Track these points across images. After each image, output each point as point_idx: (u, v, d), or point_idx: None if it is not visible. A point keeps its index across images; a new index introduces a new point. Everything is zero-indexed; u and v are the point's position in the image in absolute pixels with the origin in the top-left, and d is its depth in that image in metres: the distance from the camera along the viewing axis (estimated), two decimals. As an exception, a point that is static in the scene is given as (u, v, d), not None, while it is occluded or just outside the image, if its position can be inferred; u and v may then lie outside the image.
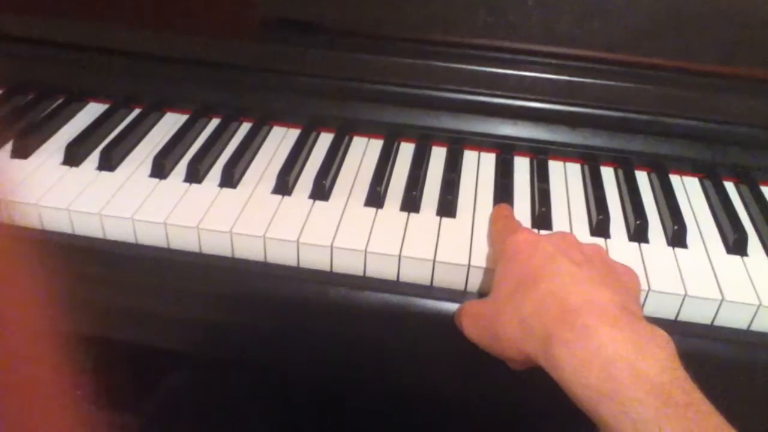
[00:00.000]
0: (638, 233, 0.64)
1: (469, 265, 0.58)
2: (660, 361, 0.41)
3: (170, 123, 0.76)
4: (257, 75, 0.76)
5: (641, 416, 0.39)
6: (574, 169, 0.74)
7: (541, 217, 0.64)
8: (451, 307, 0.58)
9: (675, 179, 0.73)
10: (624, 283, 0.51)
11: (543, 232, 0.63)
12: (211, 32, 0.76)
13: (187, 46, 0.76)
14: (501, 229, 0.59)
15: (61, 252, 0.62)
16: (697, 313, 0.57)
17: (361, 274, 0.60)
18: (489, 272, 0.58)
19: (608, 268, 0.51)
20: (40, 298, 0.29)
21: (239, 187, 0.66)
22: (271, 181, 0.67)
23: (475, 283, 0.59)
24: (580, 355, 0.43)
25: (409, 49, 0.73)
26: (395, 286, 0.60)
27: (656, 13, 0.69)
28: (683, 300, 0.57)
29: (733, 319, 0.57)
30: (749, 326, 0.57)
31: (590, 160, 0.74)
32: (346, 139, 0.75)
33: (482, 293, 0.59)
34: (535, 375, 0.47)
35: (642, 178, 0.73)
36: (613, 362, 0.41)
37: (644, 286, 0.57)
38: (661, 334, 0.44)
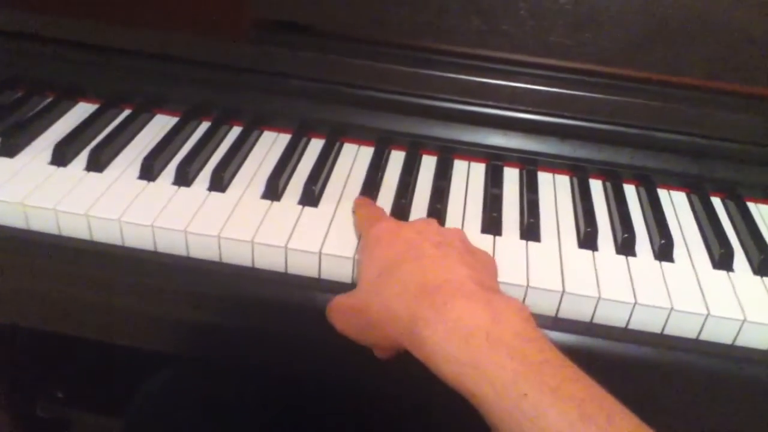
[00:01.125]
0: (625, 246, 0.64)
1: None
2: (514, 325, 0.43)
3: (160, 125, 0.76)
4: (249, 76, 0.76)
5: (500, 379, 0.40)
6: (563, 181, 0.74)
7: (530, 228, 0.65)
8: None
9: (663, 193, 0.73)
10: (482, 261, 0.53)
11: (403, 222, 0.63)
12: (203, 33, 0.75)
13: (179, 46, 0.75)
14: (363, 218, 0.61)
15: (47, 252, 0.61)
16: (683, 327, 0.58)
17: (350, 281, 0.60)
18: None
19: (466, 249, 0.53)
20: None
21: (228, 191, 0.66)
22: (260, 185, 0.67)
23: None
24: (441, 331, 0.44)
25: (402, 56, 0.73)
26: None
27: (647, 28, 0.69)
28: (669, 314, 0.57)
29: (719, 333, 0.58)
30: (734, 341, 0.58)
31: (579, 172, 0.74)
32: (337, 145, 0.75)
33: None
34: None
35: (630, 191, 0.73)
36: (470, 333, 0.43)
37: (630, 299, 0.57)
38: (516, 302, 0.46)
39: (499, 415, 0.40)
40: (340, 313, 0.54)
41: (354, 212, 0.64)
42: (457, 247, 0.52)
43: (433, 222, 0.56)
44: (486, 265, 0.54)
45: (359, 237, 0.61)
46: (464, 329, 0.43)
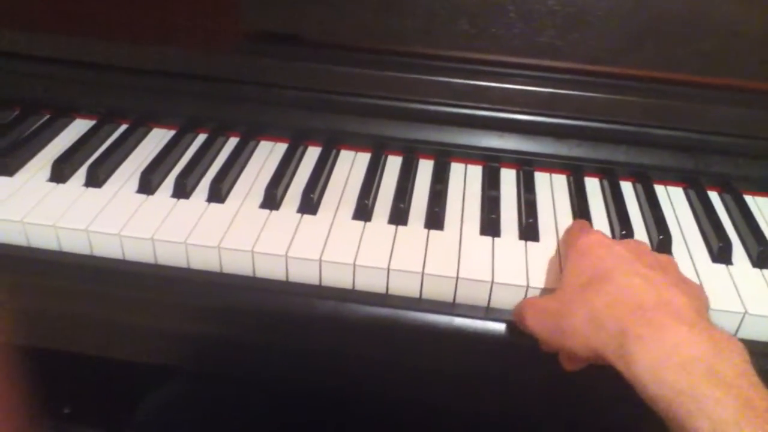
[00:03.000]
0: (624, 243, 0.64)
1: (457, 277, 0.58)
2: (737, 365, 0.41)
3: (157, 138, 0.76)
4: (243, 88, 0.76)
5: (719, 416, 0.39)
6: (560, 180, 0.74)
7: (528, 228, 0.65)
8: (440, 319, 0.58)
9: (659, 189, 0.73)
10: (695, 291, 0.51)
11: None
12: (197, 46, 0.76)
13: (173, 60, 0.76)
14: (575, 229, 0.60)
15: (48, 269, 0.61)
16: (683, 322, 0.58)
17: (350, 287, 0.60)
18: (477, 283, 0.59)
19: (681, 277, 0.52)
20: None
21: (227, 201, 0.67)
22: (259, 195, 0.67)
23: (463, 294, 0.59)
24: (656, 352, 0.42)
25: (395, 62, 0.73)
26: (384, 299, 0.60)
27: (637, 25, 0.70)
28: (669, 309, 0.57)
29: (721, 326, 0.58)
30: (735, 334, 0.58)
31: (575, 171, 0.74)
32: (334, 152, 0.75)
33: (473, 305, 0.59)
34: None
35: (627, 188, 0.73)
36: (690, 361, 0.41)
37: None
38: (737, 341, 0.44)
39: None
40: (534, 310, 0.53)
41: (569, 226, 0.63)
42: (670, 272, 0.51)
43: (645, 244, 0.55)
44: (699, 295, 0.51)
45: (563, 243, 0.61)
46: (682, 356, 0.42)
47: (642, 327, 0.44)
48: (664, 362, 0.42)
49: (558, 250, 0.63)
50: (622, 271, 0.49)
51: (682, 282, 0.51)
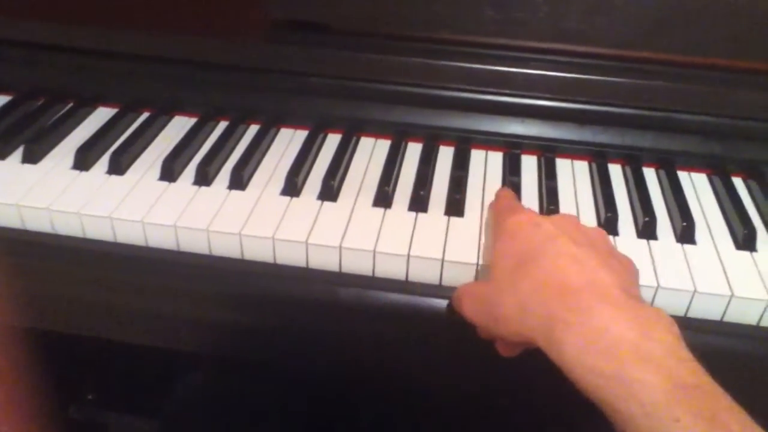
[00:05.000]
0: (647, 230, 0.64)
1: (478, 264, 0.58)
2: (665, 343, 0.41)
3: (178, 126, 0.77)
4: (266, 76, 0.77)
5: (650, 399, 0.38)
6: (582, 167, 0.73)
7: (550, 215, 0.64)
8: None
9: (683, 175, 0.73)
10: (624, 266, 0.50)
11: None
12: (218, 34, 0.76)
13: (194, 48, 0.76)
14: (502, 208, 0.59)
15: (73, 257, 0.62)
16: (706, 310, 0.57)
17: (370, 274, 0.60)
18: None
19: (610, 252, 0.51)
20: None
21: (248, 189, 0.67)
22: (279, 182, 0.67)
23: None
24: (583, 337, 0.42)
25: (416, 49, 0.73)
26: (404, 285, 0.60)
27: (664, 8, 0.69)
28: (692, 296, 0.57)
29: (743, 314, 0.57)
30: (759, 321, 0.57)
31: (598, 158, 0.74)
32: (354, 139, 0.75)
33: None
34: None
35: (650, 174, 0.72)
36: (617, 344, 0.41)
37: (653, 282, 0.57)
38: (665, 317, 0.43)
39: None
40: (470, 299, 0.53)
41: (493, 201, 0.62)
42: (599, 248, 0.49)
43: (574, 218, 0.54)
44: (628, 270, 0.50)
45: (493, 225, 0.60)
46: (609, 339, 0.41)
47: (567, 312, 0.43)
48: (590, 347, 0.41)
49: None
50: (549, 252, 0.47)
51: (611, 257, 0.49)
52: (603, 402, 0.40)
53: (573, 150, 0.75)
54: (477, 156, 0.74)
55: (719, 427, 0.37)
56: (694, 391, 0.38)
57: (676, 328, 0.42)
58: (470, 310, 0.52)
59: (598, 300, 0.43)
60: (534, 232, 0.50)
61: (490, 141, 0.75)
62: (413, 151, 0.74)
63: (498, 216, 0.59)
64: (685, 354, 0.41)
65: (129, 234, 0.62)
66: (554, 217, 0.53)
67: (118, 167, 0.68)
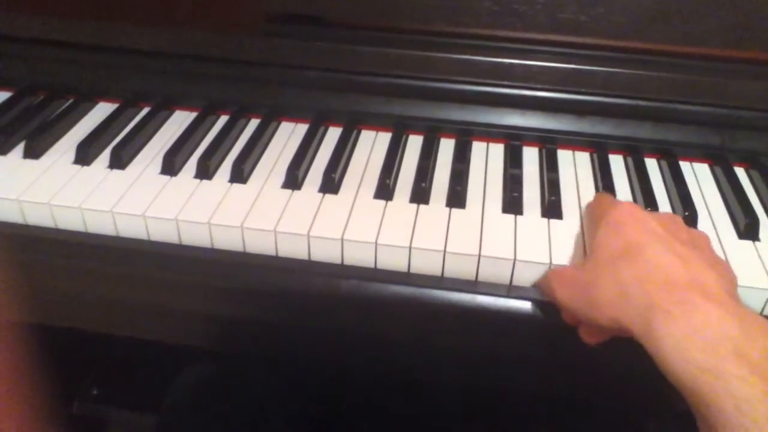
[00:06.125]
0: (649, 220, 0.63)
1: (479, 255, 0.58)
2: (764, 348, 0.41)
3: (179, 121, 0.77)
4: (264, 70, 0.76)
5: (745, 395, 0.39)
6: (584, 158, 0.73)
7: (551, 207, 0.64)
8: (461, 297, 0.58)
9: (685, 166, 0.72)
10: (727, 270, 0.51)
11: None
12: (218, 28, 0.76)
13: (194, 43, 0.76)
14: (605, 201, 0.58)
15: (75, 251, 0.62)
16: (709, 299, 0.57)
17: (372, 266, 0.60)
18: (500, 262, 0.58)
19: (713, 255, 0.51)
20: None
21: (249, 182, 0.67)
22: (280, 175, 0.67)
23: (486, 272, 0.59)
24: (683, 329, 0.42)
25: (415, 41, 0.73)
26: (406, 277, 0.60)
27: (661, -1, 0.68)
28: (695, 285, 0.57)
29: (747, 303, 0.57)
30: (762, 310, 0.57)
31: (599, 149, 0.74)
32: (355, 132, 0.75)
33: (495, 283, 0.59)
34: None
35: (652, 165, 0.72)
36: (717, 340, 0.41)
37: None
38: (766, 323, 0.43)
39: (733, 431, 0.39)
40: (565, 282, 0.53)
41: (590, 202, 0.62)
42: (704, 250, 0.50)
43: (679, 218, 0.54)
44: (729, 274, 0.51)
45: (590, 215, 0.60)
46: (710, 334, 0.41)
47: (671, 304, 0.44)
48: (690, 339, 0.42)
49: (582, 228, 0.62)
50: (655, 247, 0.48)
51: (714, 260, 0.50)
52: (697, 394, 0.41)
53: (574, 141, 0.74)
54: (478, 148, 0.74)
55: None
56: None
57: None
58: (563, 294, 0.53)
59: (703, 297, 0.44)
60: (639, 227, 0.50)
61: (490, 133, 0.75)
62: (414, 143, 0.74)
63: (599, 207, 0.58)
64: None
65: (130, 228, 0.62)
66: (661, 215, 0.54)
67: (119, 162, 0.68)
